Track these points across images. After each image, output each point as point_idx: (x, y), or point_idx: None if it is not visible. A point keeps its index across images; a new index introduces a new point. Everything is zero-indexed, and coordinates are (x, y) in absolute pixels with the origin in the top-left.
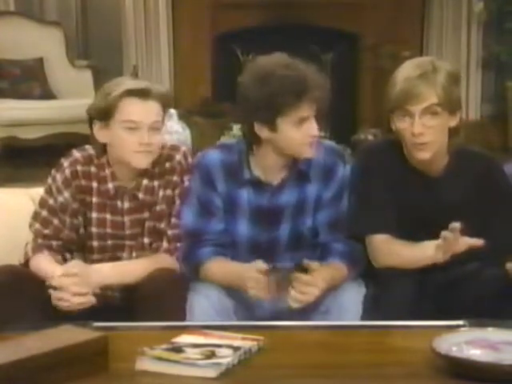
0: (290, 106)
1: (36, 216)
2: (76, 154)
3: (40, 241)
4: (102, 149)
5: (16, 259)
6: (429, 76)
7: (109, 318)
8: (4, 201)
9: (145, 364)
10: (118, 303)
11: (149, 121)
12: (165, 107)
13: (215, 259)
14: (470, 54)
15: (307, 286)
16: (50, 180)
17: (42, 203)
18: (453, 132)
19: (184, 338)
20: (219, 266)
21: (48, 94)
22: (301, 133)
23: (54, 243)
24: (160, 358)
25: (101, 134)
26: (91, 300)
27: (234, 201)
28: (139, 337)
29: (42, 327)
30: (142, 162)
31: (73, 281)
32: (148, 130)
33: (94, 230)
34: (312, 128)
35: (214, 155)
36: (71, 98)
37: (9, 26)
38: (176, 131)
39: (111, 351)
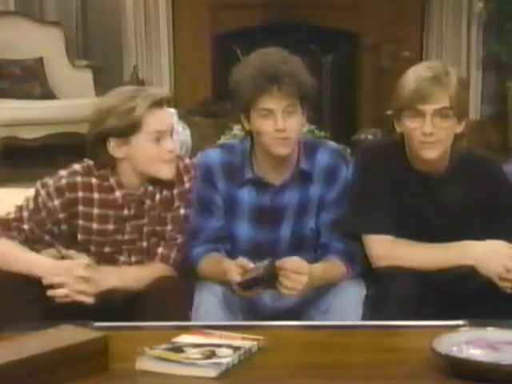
0: (250, 99)
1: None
2: (75, 166)
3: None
4: (109, 162)
5: None
6: (442, 78)
7: (109, 318)
8: (4, 201)
9: (145, 364)
10: (120, 308)
11: (170, 127)
12: None
13: (207, 257)
14: (469, 54)
15: (294, 274)
16: (39, 185)
17: (23, 208)
18: (457, 137)
19: (184, 338)
20: (211, 264)
21: (48, 94)
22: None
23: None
24: (160, 358)
25: (118, 150)
26: (91, 300)
27: (235, 201)
28: (139, 337)
29: (42, 327)
30: (170, 171)
31: (80, 280)
32: (170, 136)
33: (94, 238)
34: (276, 123)
35: (214, 154)
36: (71, 97)
37: (9, 25)
38: (176, 131)
39: (111, 351)
